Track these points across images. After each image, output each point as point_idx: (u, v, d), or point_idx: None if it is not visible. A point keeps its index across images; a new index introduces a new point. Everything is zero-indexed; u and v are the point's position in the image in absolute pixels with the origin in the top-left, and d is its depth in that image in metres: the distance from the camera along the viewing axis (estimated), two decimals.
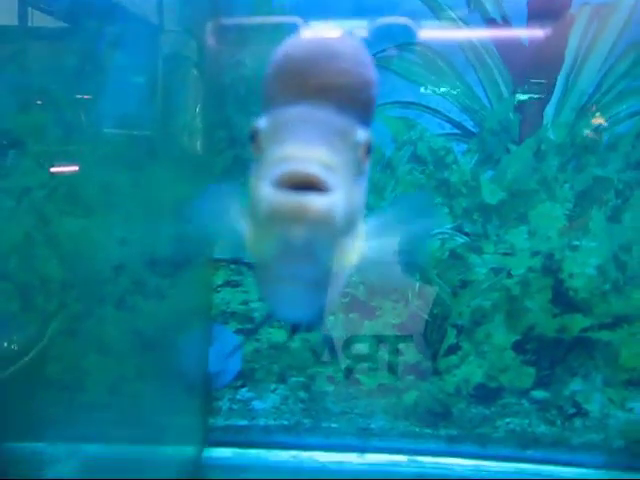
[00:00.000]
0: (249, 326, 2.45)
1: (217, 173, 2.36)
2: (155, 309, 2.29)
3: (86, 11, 2.16)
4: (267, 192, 0.72)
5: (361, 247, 0.88)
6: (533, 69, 2.27)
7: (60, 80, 2.16)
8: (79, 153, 2.20)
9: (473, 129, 2.31)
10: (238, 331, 2.45)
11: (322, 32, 0.91)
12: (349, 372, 2.44)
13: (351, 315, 2.40)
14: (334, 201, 0.71)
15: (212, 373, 2.49)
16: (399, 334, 2.40)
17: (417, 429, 2.46)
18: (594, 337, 2.34)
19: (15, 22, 2.11)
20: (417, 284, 2.37)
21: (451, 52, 2.27)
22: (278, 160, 0.73)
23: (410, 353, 2.41)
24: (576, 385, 2.38)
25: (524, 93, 2.27)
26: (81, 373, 2.19)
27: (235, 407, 2.50)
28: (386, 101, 2.30)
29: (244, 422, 2.51)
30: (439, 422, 2.45)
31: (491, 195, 2.31)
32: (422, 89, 2.30)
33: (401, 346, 2.41)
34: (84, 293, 2.20)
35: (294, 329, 2.22)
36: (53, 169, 2.19)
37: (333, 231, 0.74)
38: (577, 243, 2.31)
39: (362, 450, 2.47)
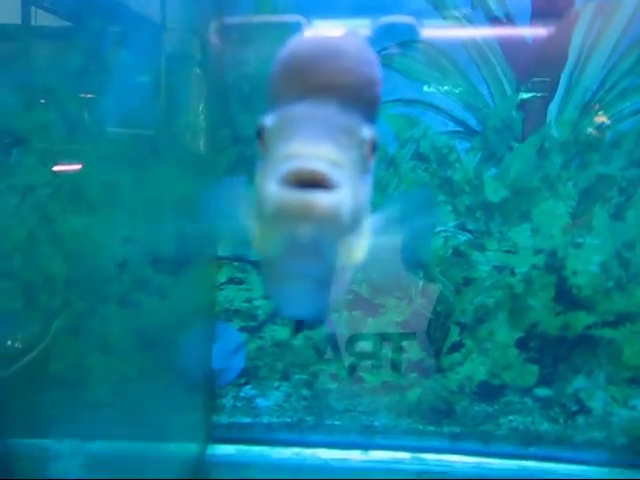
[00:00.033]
0: (252, 324, 2.45)
1: (220, 171, 2.37)
2: (158, 307, 2.29)
3: (90, 10, 2.16)
4: (273, 190, 0.72)
5: (366, 244, 0.88)
6: (536, 67, 2.27)
7: (64, 79, 2.16)
8: (83, 151, 2.21)
9: (476, 127, 2.31)
10: (242, 329, 2.46)
11: (327, 31, 0.92)
12: (352, 370, 2.44)
13: (354, 313, 2.40)
14: (340, 198, 0.71)
15: (216, 371, 2.49)
16: (402, 332, 2.40)
17: (420, 426, 2.46)
18: (597, 335, 2.34)
19: (19, 21, 2.11)
20: (420, 282, 2.37)
21: (454, 50, 2.27)
22: (284, 157, 0.73)
23: (413, 351, 2.42)
24: (579, 383, 2.38)
25: (527, 91, 2.27)
26: (85, 371, 2.20)
27: (239, 404, 2.51)
28: (389, 99, 2.30)
29: (247, 419, 2.51)
30: (442, 419, 2.46)
31: (494, 193, 2.31)
32: (425, 87, 2.30)
33: (404, 344, 2.41)
34: (87, 291, 2.21)
35: (298, 328, 2.22)
36: (57, 167, 2.19)
37: (339, 228, 0.74)
38: (580, 241, 2.31)
39: (365, 447, 2.47)
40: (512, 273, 2.34)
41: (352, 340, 2.43)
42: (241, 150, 2.34)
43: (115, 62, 2.18)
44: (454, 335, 2.40)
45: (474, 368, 2.41)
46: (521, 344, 2.38)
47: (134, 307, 2.26)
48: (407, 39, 2.27)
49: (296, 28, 2.24)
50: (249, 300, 2.44)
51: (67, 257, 2.17)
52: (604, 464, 2.38)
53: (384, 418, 2.47)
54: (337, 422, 2.49)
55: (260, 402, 2.50)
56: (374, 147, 0.83)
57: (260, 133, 0.82)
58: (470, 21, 2.27)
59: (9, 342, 2.14)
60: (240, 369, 2.48)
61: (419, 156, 2.33)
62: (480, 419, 2.44)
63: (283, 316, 2.35)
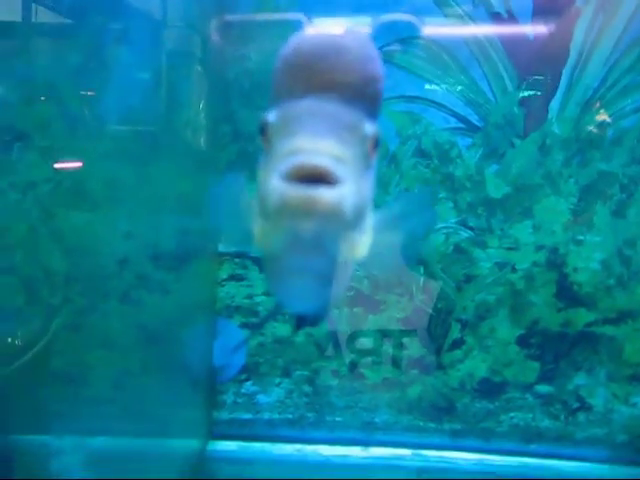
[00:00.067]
0: (254, 320, 2.45)
1: (221, 168, 2.36)
2: (159, 303, 2.29)
3: (90, 7, 2.16)
4: (277, 185, 0.72)
5: (369, 240, 0.88)
6: (538, 63, 2.26)
7: (65, 75, 2.16)
8: (84, 148, 2.20)
9: (478, 123, 2.31)
10: (243, 325, 2.46)
11: (330, 28, 0.92)
12: (353, 366, 2.45)
13: (355, 309, 2.40)
14: (344, 194, 0.71)
15: (216, 367, 2.50)
16: (403, 328, 2.40)
17: (421, 423, 2.47)
18: (598, 332, 2.35)
19: (20, 18, 2.11)
20: (421, 278, 2.37)
21: (456, 46, 2.27)
22: (288, 153, 0.73)
23: (414, 347, 2.42)
24: (580, 380, 2.39)
25: (529, 87, 2.27)
26: (86, 367, 2.20)
27: (240, 401, 2.51)
28: (391, 95, 2.30)
29: (248, 416, 2.52)
30: (443, 416, 2.46)
31: (495, 189, 2.31)
32: (427, 83, 2.30)
33: (405, 340, 2.42)
34: (88, 287, 2.21)
35: (299, 324, 2.22)
36: (58, 163, 2.19)
37: (342, 224, 0.74)
38: (581, 238, 2.31)
39: (366, 444, 2.47)
40: (513, 270, 2.35)
41: (353, 337, 2.43)
42: (242, 146, 2.34)
43: (116, 59, 2.17)
44: (455, 332, 2.40)
45: (475, 365, 2.41)
46: (522, 341, 2.38)
47: (135, 303, 2.26)
48: (408, 36, 2.27)
49: (297, 26, 2.24)
50: (250, 296, 2.44)
51: (68, 253, 2.17)
52: (605, 461, 2.39)
53: (385, 415, 2.47)
54: (338, 418, 2.49)
55: (261, 398, 2.50)
56: (376, 143, 0.83)
57: (263, 129, 0.82)
58: (472, 17, 2.26)
59: (10, 338, 2.14)
60: (241, 365, 2.48)
61: (421, 152, 2.33)
62: (481, 416, 2.45)
63: (285, 312, 2.35)
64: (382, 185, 2.29)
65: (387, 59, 2.27)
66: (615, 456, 2.39)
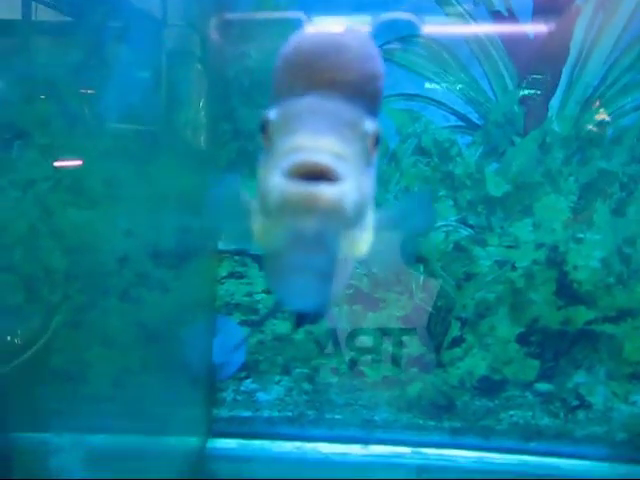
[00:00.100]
0: (253, 318, 2.45)
1: (221, 165, 2.36)
2: (159, 301, 2.29)
3: (90, 5, 2.16)
4: (278, 182, 0.72)
5: (369, 237, 0.88)
6: (538, 61, 2.26)
7: (65, 73, 2.16)
8: (84, 146, 2.20)
9: (478, 121, 2.31)
10: (242, 323, 2.46)
11: (330, 26, 0.92)
12: (353, 364, 2.45)
13: (355, 307, 2.40)
14: (344, 191, 0.71)
15: (216, 364, 2.50)
16: (403, 326, 2.41)
17: (421, 421, 2.47)
18: (598, 330, 2.35)
19: (20, 16, 2.11)
20: (421, 276, 2.37)
21: (456, 45, 2.27)
22: (288, 150, 0.73)
23: (414, 345, 2.42)
24: (580, 378, 2.39)
25: (529, 86, 2.27)
26: (85, 365, 2.20)
27: (239, 398, 2.51)
28: (391, 93, 2.30)
29: (248, 413, 2.52)
30: (443, 414, 2.46)
31: (496, 187, 2.31)
32: (427, 82, 2.30)
33: (405, 338, 2.42)
34: (88, 285, 2.21)
35: (299, 322, 2.22)
36: (58, 161, 2.19)
37: (343, 221, 0.74)
38: (581, 236, 2.31)
39: (366, 442, 2.48)
40: (513, 268, 2.35)
41: (353, 334, 2.43)
42: (242, 144, 2.34)
43: (116, 57, 2.17)
44: (455, 330, 2.40)
45: (475, 363, 2.41)
46: (522, 339, 2.38)
47: (135, 301, 2.26)
48: (408, 34, 2.27)
49: (297, 24, 2.24)
50: (250, 294, 2.44)
51: (68, 251, 2.17)
52: (604, 459, 2.39)
53: (385, 412, 2.48)
54: (338, 416, 2.49)
55: (261, 396, 2.50)
56: (377, 140, 0.83)
57: (264, 126, 0.82)
58: (472, 16, 2.26)
59: (10, 335, 2.13)
60: (241, 363, 2.48)
61: (421, 150, 2.33)
62: (481, 414, 2.45)
63: (285, 309, 2.35)
64: (382, 183, 2.29)
65: (387, 57, 2.27)
66: (614, 454, 2.39)
